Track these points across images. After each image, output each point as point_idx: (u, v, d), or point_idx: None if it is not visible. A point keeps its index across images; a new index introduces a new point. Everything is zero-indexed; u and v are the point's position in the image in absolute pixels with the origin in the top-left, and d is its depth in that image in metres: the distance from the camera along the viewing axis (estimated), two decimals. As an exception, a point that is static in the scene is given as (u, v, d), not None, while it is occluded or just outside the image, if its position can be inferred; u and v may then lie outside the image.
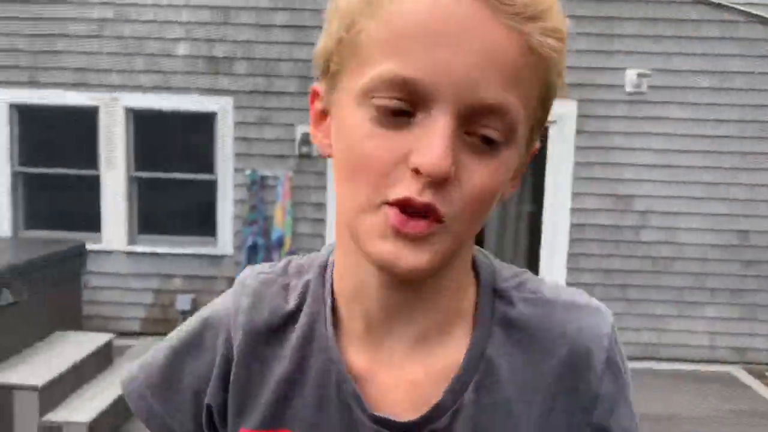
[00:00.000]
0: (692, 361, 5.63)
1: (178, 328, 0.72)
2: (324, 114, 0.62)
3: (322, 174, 5.70)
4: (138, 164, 5.81)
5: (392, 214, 0.52)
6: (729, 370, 5.55)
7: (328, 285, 0.64)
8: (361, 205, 0.54)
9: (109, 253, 5.77)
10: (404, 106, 0.52)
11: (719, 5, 5.29)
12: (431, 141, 0.51)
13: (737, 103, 5.43)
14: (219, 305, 0.69)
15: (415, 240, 0.53)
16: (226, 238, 5.77)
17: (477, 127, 0.52)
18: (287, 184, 5.72)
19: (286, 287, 0.66)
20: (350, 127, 0.55)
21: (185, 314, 5.79)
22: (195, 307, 5.82)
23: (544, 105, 0.57)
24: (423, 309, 0.61)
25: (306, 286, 0.66)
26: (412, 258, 0.53)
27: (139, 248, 5.83)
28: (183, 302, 5.82)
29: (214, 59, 5.58)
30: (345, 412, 0.61)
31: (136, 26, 5.60)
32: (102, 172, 5.75)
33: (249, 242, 5.69)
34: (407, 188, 0.52)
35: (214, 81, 5.58)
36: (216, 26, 5.58)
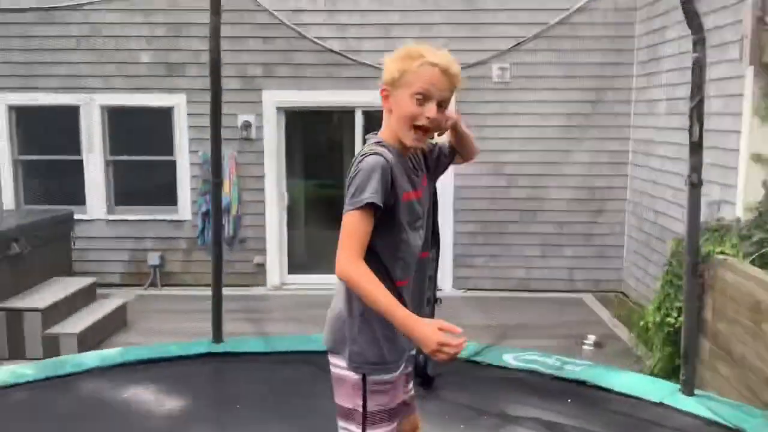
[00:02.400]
0: (553, 291, 7.18)
1: (362, 173, 1.78)
2: (387, 97, 1.86)
3: (260, 153, 7.19)
4: (113, 149, 7.31)
5: (418, 132, 1.85)
6: (582, 296, 7.09)
7: (386, 149, 1.85)
8: (408, 127, 1.83)
9: (92, 221, 7.27)
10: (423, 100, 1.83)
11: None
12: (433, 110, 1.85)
13: (580, 87, 6.94)
14: (378, 159, 1.79)
15: (421, 139, 1.88)
16: (185, 207, 7.27)
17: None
18: (232, 162, 7.20)
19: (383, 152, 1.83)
20: (406, 104, 1.82)
21: (156, 268, 7.30)
22: (163, 262, 7.32)
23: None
24: None
25: (386, 152, 1.83)
26: (419, 144, 1.91)
27: (117, 216, 7.33)
28: (153, 259, 7.31)
29: (171, 65, 7.05)
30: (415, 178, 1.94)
31: (107, 40, 7.07)
32: (84, 156, 7.25)
33: (203, 209, 7.16)
34: (423, 122, 1.83)
35: (171, 81, 7.05)
36: (172, 38, 7.05)
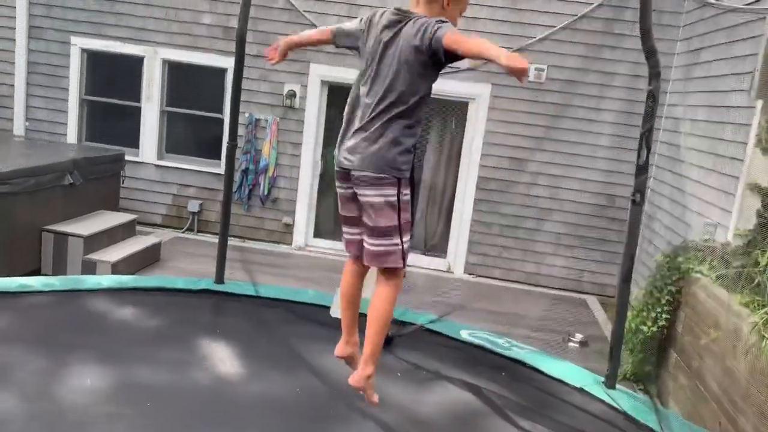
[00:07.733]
0: (561, 288, 7.45)
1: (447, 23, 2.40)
2: (449, 4, 2.48)
3: (300, 122, 7.68)
4: (169, 101, 7.93)
5: None
6: (586, 298, 7.35)
7: None
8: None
9: (142, 164, 7.93)
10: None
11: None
12: None
13: (614, 96, 7.12)
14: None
15: None
16: (226, 162, 7.82)
17: None
18: (275, 127, 7.71)
19: None
20: (455, 17, 2.50)
21: (194, 215, 7.92)
22: (202, 210, 7.94)
23: None
24: None
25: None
26: None
27: (165, 163, 7.97)
28: (193, 206, 7.93)
29: (229, 29, 7.56)
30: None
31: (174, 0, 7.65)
32: (143, 104, 7.90)
33: (243, 166, 7.72)
34: None
35: (228, 45, 7.57)
36: (232, 4, 7.56)
